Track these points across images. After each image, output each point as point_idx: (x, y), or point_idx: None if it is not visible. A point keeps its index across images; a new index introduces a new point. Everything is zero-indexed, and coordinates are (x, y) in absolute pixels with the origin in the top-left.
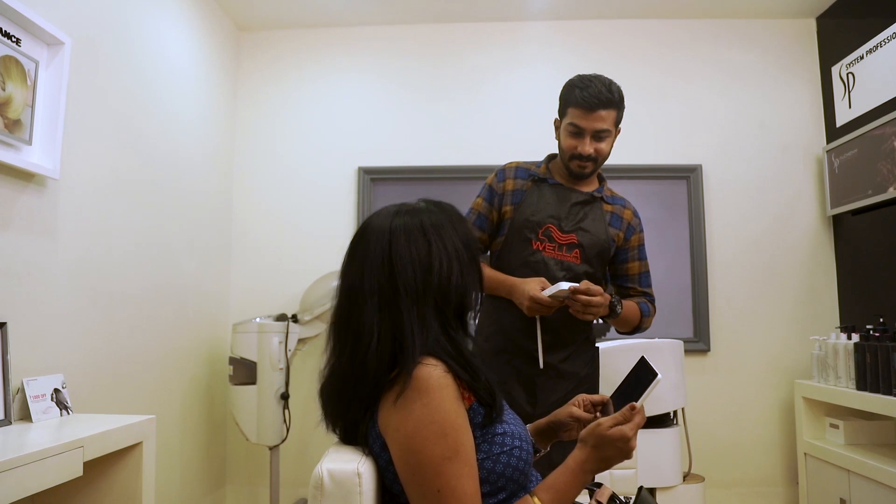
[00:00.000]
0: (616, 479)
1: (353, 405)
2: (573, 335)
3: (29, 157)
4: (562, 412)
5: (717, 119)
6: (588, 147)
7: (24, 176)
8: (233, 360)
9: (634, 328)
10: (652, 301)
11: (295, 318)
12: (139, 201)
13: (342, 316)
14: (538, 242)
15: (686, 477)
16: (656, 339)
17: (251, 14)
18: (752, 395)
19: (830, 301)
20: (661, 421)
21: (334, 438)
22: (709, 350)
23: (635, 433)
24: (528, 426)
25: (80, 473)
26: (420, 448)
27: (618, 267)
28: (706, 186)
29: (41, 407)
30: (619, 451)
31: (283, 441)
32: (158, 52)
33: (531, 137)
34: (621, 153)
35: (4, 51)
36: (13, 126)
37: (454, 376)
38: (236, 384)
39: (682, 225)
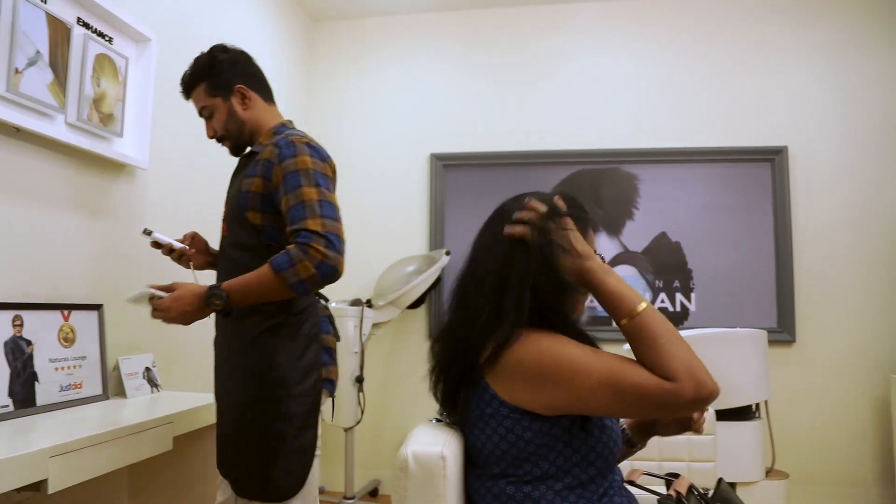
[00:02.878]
0: (694, 471)
1: (453, 368)
2: (224, 350)
3: (120, 148)
4: None
5: (804, 96)
6: (208, 130)
7: (116, 166)
8: None
9: (276, 295)
10: (304, 242)
11: (369, 303)
12: (220, 190)
13: (459, 282)
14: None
15: (769, 472)
16: (737, 329)
17: (324, 4)
18: (843, 390)
19: None
20: (743, 413)
21: (408, 423)
22: (794, 341)
23: None
24: (629, 420)
25: (171, 447)
26: (559, 357)
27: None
28: (793, 169)
29: (134, 384)
30: None
31: (358, 423)
32: (236, 44)
33: (605, 120)
34: (696, 135)
35: (99, 49)
36: (107, 119)
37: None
38: None
39: (764, 210)
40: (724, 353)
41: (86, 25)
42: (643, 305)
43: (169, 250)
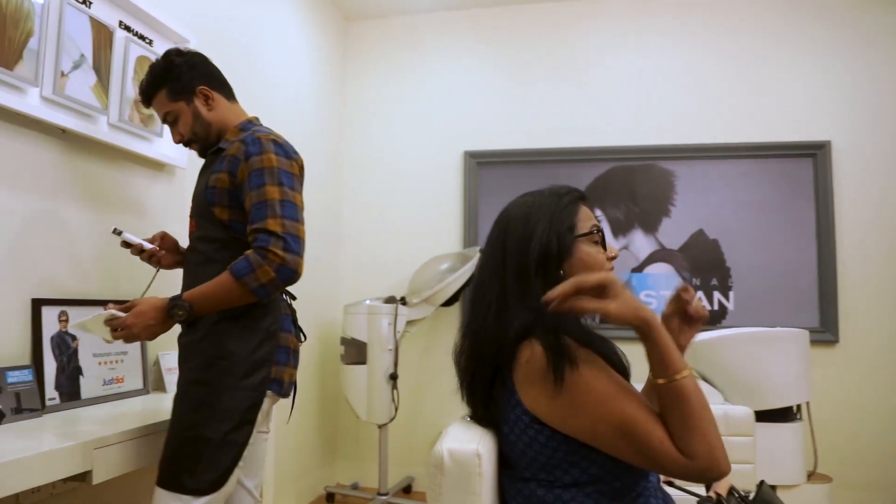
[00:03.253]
0: (732, 472)
1: (478, 370)
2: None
3: (160, 148)
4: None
5: (848, 90)
6: (174, 135)
7: (156, 166)
8: (344, 341)
9: (238, 300)
10: (263, 247)
11: (403, 301)
12: None
13: (474, 284)
14: None
15: (811, 476)
16: (779, 328)
17: (357, 3)
18: (888, 391)
19: None
20: (783, 415)
21: (441, 421)
22: (837, 341)
23: None
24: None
25: None
26: (593, 411)
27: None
28: (836, 164)
29: (174, 378)
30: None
31: (392, 420)
32: (270, 45)
33: (640, 116)
34: (735, 130)
35: (140, 51)
36: (147, 120)
37: (595, 350)
38: (348, 363)
39: (805, 206)
40: (764, 352)
41: (127, 28)
42: (685, 373)
43: (139, 251)
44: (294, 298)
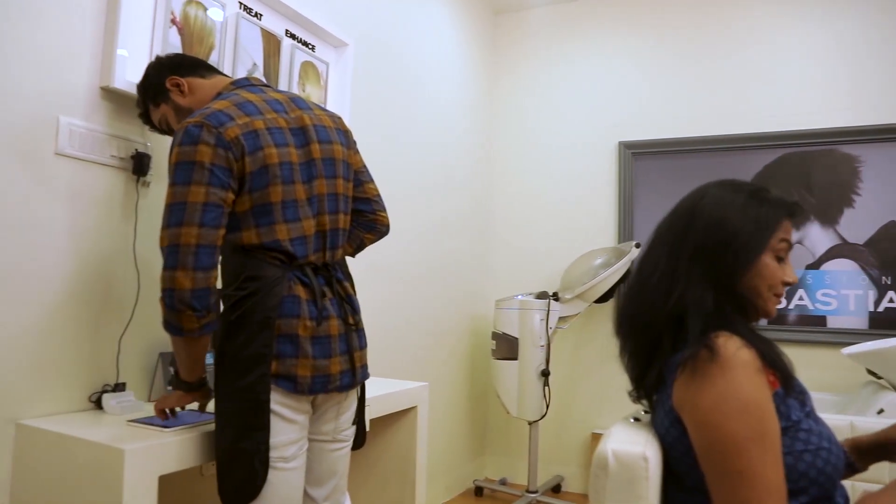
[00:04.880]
0: None
1: (638, 342)
2: None
3: None
4: (893, 430)
5: None
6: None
7: None
8: (495, 335)
9: (185, 345)
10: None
11: (556, 296)
12: (410, 183)
13: (645, 249)
14: None
15: None
16: None
17: None
18: None
19: None
20: None
21: (593, 420)
22: None
23: None
24: (847, 440)
25: (367, 429)
26: (719, 423)
27: None
28: None
29: None
30: None
31: (543, 417)
32: (422, 43)
33: (815, 97)
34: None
35: (304, 57)
36: None
37: (756, 352)
38: (498, 358)
39: None
40: None
41: (292, 36)
42: None
43: None
44: (301, 263)
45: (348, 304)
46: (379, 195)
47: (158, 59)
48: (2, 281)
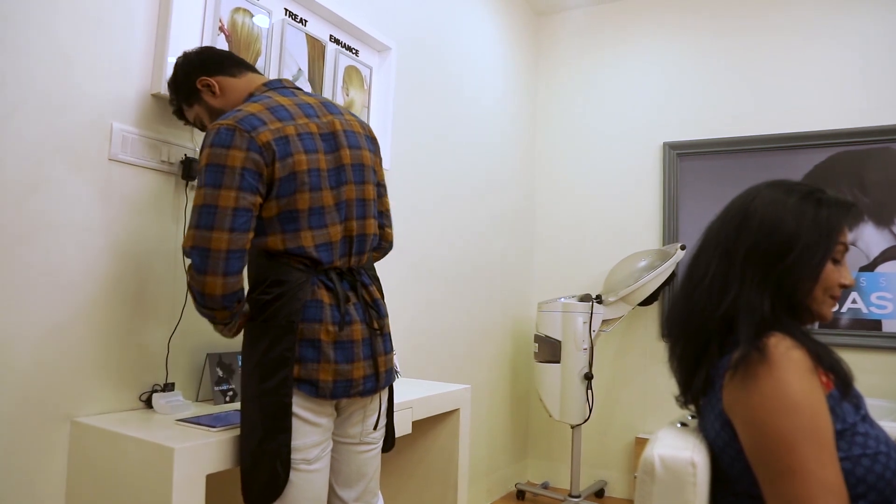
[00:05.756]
0: None
1: (686, 346)
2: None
3: None
4: None
5: None
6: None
7: None
8: (538, 338)
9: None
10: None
11: (599, 299)
12: (453, 185)
13: (694, 253)
14: None
15: None
16: None
17: None
18: None
19: None
20: None
21: (637, 425)
22: None
23: None
24: None
25: (410, 431)
26: (769, 421)
27: None
28: None
29: None
30: None
31: (585, 421)
32: (465, 46)
33: (868, 93)
34: None
35: (348, 62)
36: None
37: (808, 353)
38: (541, 361)
39: None
40: None
41: (336, 41)
42: None
43: None
44: (330, 268)
45: (373, 309)
46: (389, 210)
47: (186, 55)
48: (57, 283)
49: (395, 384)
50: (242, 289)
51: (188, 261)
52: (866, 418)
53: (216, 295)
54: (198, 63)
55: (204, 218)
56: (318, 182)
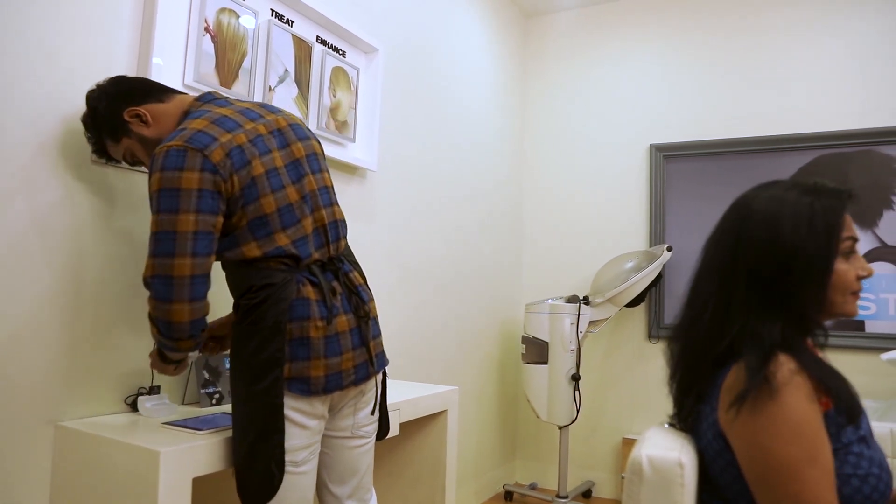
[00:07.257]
0: None
1: (685, 374)
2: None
3: (353, 152)
4: None
5: None
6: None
7: (349, 169)
8: (525, 340)
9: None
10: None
11: (586, 300)
12: (441, 188)
13: (692, 281)
14: None
15: None
16: None
17: None
18: None
19: None
20: None
21: (624, 425)
22: None
23: None
24: None
25: (397, 433)
26: (772, 447)
27: None
28: None
29: None
30: None
31: (573, 422)
32: (452, 46)
33: (851, 97)
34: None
35: (334, 63)
36: (341, 127)
37: (808, 375)
38: (528, 362)
39: None
40: None
41: (323, 42)
42: None
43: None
44: (314, 267)
45: (356, 296)
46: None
47: (101, 88)
48: (41, 286)
49: None
50: (206, 316)
51: (148, 290)
52: (865, 440)
53: (184, 321)
54: (120, 94)
55: (163, 245)
56: (278, 181)
